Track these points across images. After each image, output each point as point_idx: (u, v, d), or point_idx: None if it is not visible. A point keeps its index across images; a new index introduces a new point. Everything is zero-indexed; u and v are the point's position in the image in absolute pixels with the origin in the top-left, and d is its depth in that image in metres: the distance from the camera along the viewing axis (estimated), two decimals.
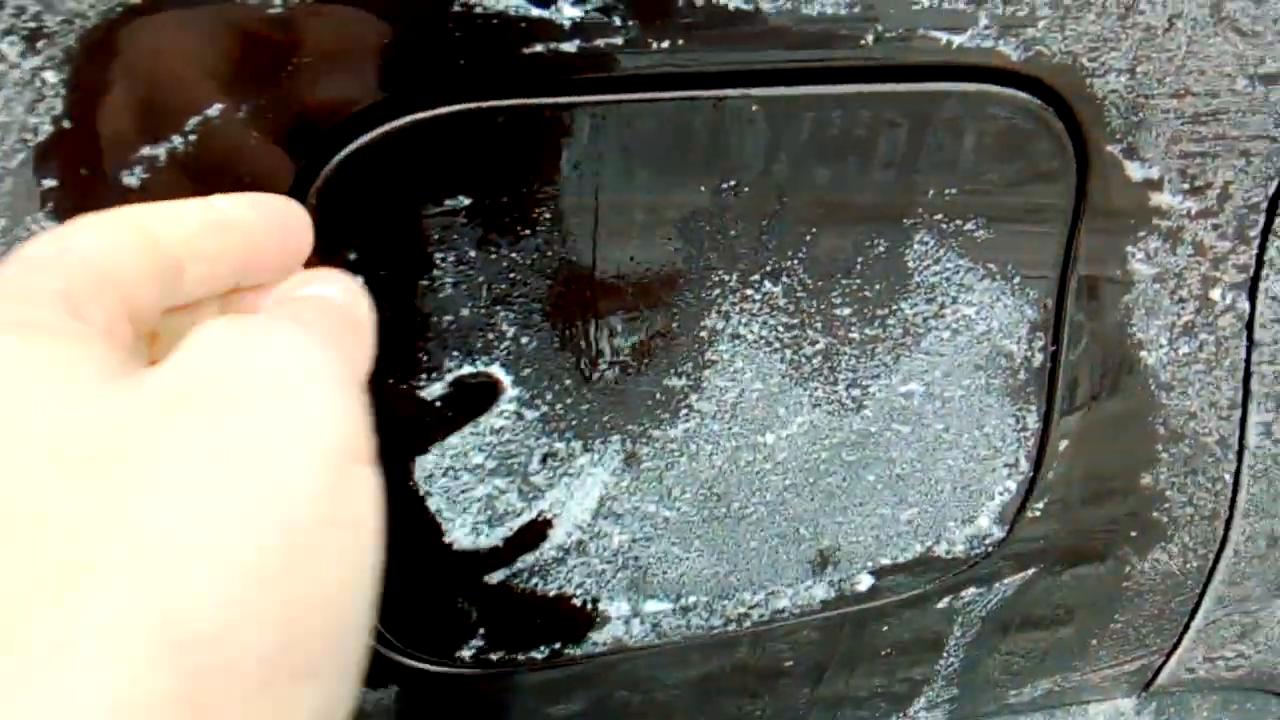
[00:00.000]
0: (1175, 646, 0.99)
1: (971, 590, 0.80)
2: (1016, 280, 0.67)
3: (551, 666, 0.72)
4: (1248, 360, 0.76)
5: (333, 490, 0.31)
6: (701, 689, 0.80)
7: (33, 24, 0.47)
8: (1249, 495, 0.84)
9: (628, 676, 0.77)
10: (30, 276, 0.35)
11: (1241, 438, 0.80)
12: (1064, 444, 0.75)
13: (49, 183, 0.50)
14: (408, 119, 0.52)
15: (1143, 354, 0.74)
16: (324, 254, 0.55)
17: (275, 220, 0.46)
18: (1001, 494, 0.75)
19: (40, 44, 0.47)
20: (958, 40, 0.56)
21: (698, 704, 0.81)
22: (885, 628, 0.80)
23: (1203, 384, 0.77)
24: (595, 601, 0.69)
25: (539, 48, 0.52)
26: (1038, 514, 0.77)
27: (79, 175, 0.50)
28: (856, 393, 0.68)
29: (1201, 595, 0.94)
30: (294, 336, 0.35)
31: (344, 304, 0.44)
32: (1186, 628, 0.97)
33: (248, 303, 0.46)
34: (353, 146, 0.52)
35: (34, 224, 0.51)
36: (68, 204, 0.51)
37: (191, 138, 0.50)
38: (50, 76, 0.48)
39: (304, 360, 0.34)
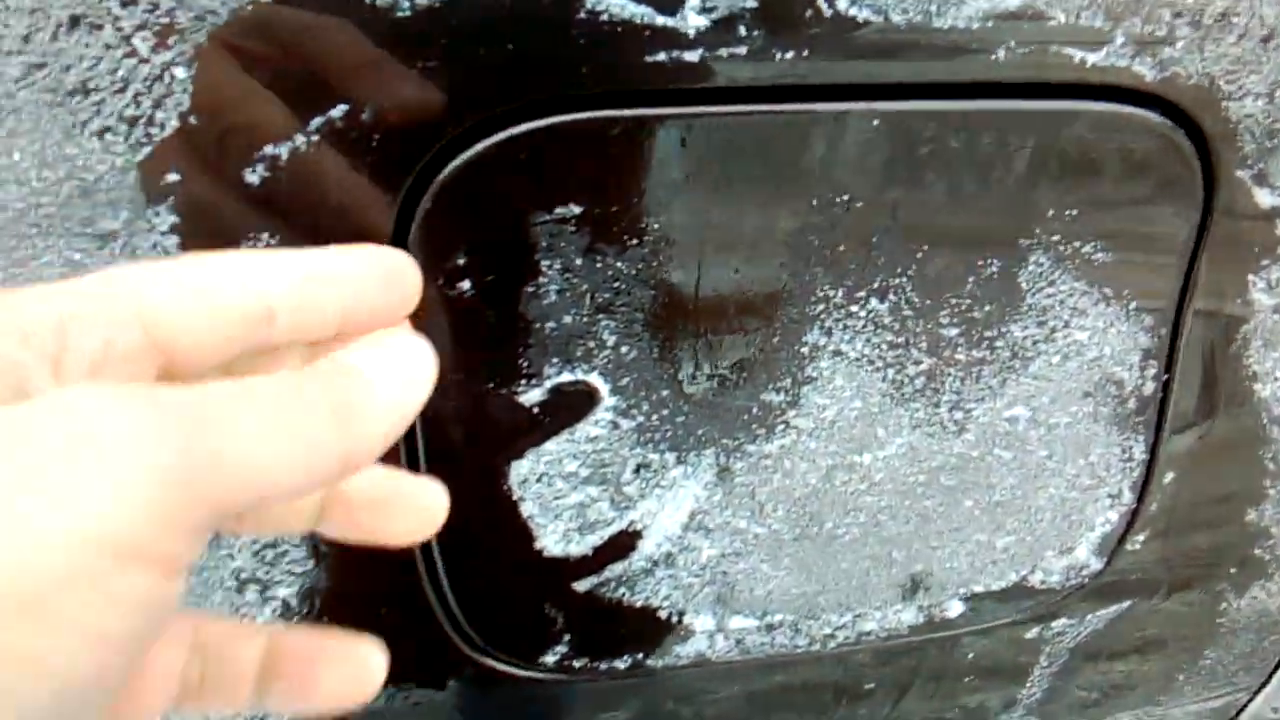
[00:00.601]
0: (1263, 686, 0.96)
1: (1063, 620, 0.78)
2: (1132, 306, 0.65)
3: (630, 677, 0.72)
4: None
5: (71, 578, 0.27)
6: (775, 703, 0.79)
7: (165, 19, 0.47)
8: None
9: (698, 686, 0.76)
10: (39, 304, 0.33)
11: None
12: (1169, 475, 0.73)
13: (172, 177, 0.50)
14: (527, 126, 0.52)
15: (1257, 386, 0.71)
16: (437, 256, 0.55)
17: (381, 274, 0.41)
18: (1102, 524, 0.73)
19: (172, 39, 0.47)
20: (1092, 59, 0.54)
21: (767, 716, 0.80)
22: (971, 654, 0.78)
23: None
24: (681, 614, 0.69)
25: (661, 56, 0.51)
26: (1138, 546, 0.75)
27: (202, 170, 0.51)
28: (959, 415, 0.66)
29: None
30: (122, 412, 0.30)
31: (340, 385, 0.37)
32: (1277, 667, 0.94)
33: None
34: (472, 151, 0.52)
35: (155, 216, 0.51)
36: (189, 198, 0.51)
37: (314, 138, 0.50)
38: (180, 72, 0.48)
39: (113, 439, 0.29)
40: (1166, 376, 0.69)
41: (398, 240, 0.54)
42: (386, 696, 0.69)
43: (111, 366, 0.33)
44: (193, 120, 0.49)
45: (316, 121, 0.49)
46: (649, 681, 0.74)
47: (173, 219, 0.51)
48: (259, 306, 0.36)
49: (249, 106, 0.49)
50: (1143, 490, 0.72)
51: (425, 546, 0.63)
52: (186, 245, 0.52)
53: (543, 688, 0.71)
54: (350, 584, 0.63)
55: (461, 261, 0.55)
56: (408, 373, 0.39)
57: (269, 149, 0.50)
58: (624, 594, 0.67)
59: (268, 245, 0.52)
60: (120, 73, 0.48)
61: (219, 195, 0.51)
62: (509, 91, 0.51)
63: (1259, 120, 0.59)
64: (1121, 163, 0.59)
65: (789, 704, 0.79)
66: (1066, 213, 0.60)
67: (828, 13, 0.51)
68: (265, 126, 0.49)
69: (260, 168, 0.50)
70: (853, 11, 0.51)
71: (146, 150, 0.49)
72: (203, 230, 0.52)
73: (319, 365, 0.37)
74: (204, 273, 0.36)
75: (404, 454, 0.60)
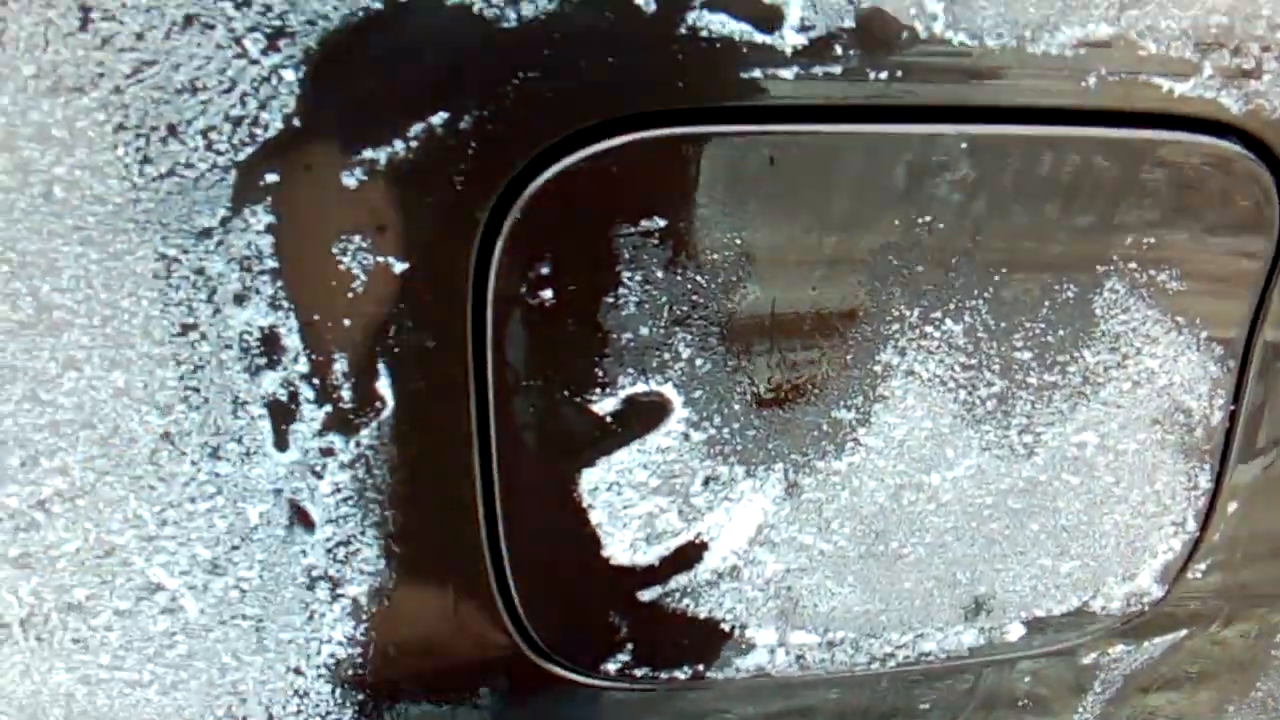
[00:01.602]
0: None
1: (1120, 647, 0.78)
2: (1203, 335, 0.65)
3: (690, 688, 0.72)
4: None
5: None
6: None
7: (277, 22, 0.48)
8: None
9: (758, 700, 0.76)
10: None
11: None
12: (1233, 505, 0.72)
13: (272, 177, 0.51)
14: (620, 139, 0.53)
15: None
16: (522, 265, 0.55)
17: None
18: (1165, 552, 0.72)
19: (282, 42, 0.48)
20: (1180, 89, 0.55)
21: None
22: (1028, 677, 0.77)
23: None
24: (743, 627, 0.69)
25: (756, 73, 0.52)
26: (1199, 575, 0.75)
27: (301, 172, 0.51)
28: (1029, 439, 0.66)
29: None
30: None
31: None
32: None
33: None
34: (564, 163, 0.53)
35: (252, 215, 0.52)
36: (287, 198, 0.52)
37: (413, 144, 0.51)
38: (288, 75, 0.49)
39: None
40: (1234, 407, 0.68)
41: (485, 249, 0.55)
42: (449, 700, 0.69)
43: None
44: (296, 123, 0.50)
45: (417, 128, 0.50)
46: (699, 696, 0.74)
47: (269, 219, 0.52)
48: None
49: (352, 111, 0.50)
50: (1206, 519, 0.72)
51: (495, 551, 0.63)
52: (280, 245, 0.53)
53: (569, 700, 0.71)
54: (420, 587, 0.63)
55: (545, 271, 0.56)
56: None
57: (368, 154, 0.51)
58: (688, 605, 0.67)
59: (358, 249, 0.53)
60: (229, 73, 0.49)
61: (317, 198, 0.52)
62: (607, 104, 0.51)
63: None
64: (1201, 193, 0.59)
65: None
66: (1144, 240, 0.60)
67: (924, 35, 0.51)
68: (366, 131, 0.50)
69: (358, 171, 0.51)
70: (949, 35, 0.51)
71: (249, 150, 0.50)
72: (298, 231, 0.53)
73: None
74: None
75: (478, 459, 0.61)
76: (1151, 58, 0.54)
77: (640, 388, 0.61)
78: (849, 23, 0.51)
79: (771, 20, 0.50)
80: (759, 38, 0.50)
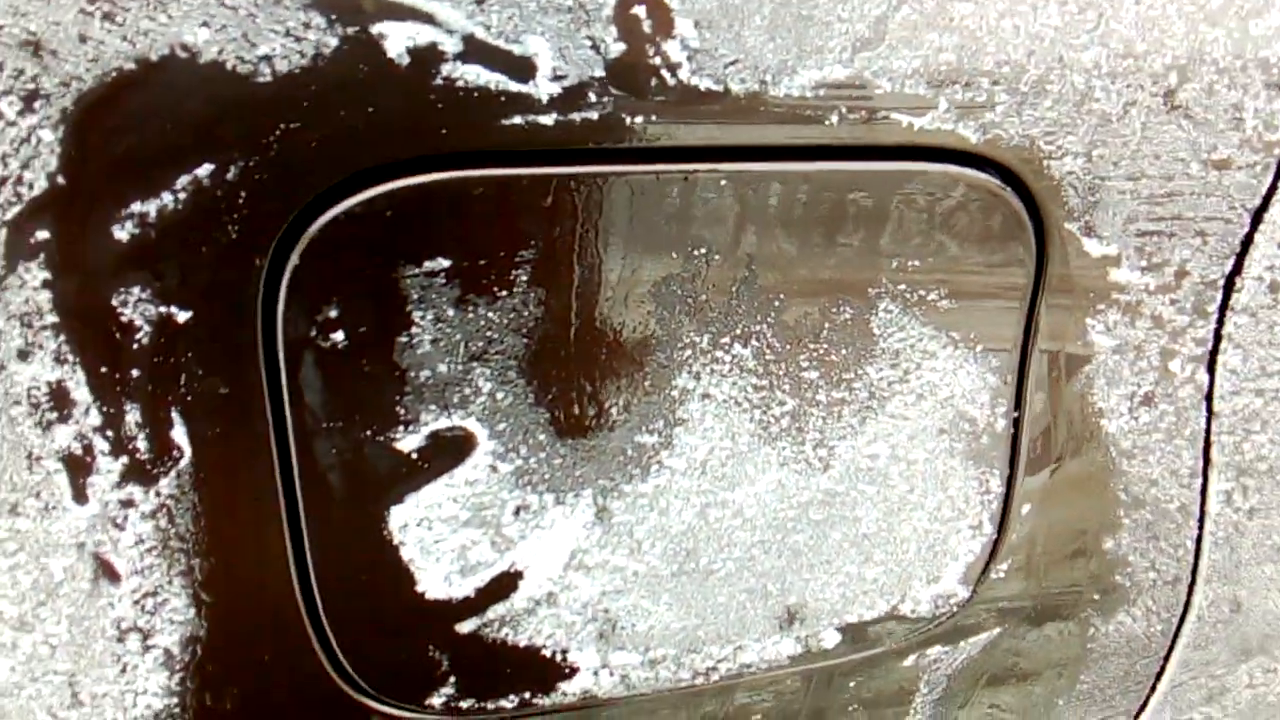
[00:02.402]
0: (1142, 708, 1.00)
1: (937, 648, 0.81)
2: (979, 348, 0.69)
3: (518, 717, 0.73)
4: (1208, 430, 0.78)
5: None
6: None
7: (30, 85, 0.49)
8: (1211, 562, 0.86)
9: None
10: None
11: (1203, 505, 0.82)
12: (1026, 507, 0.77)
13: (42, 234, 0.52)
14: (391, 185, 0.55)
15: (1103, 422, 0.76)
16: (308, 309, 0.57)
17: None
18: (966, 555, 0.76)
19: (38, 104, 0.49)
20: (919, 123, 0.59)
21: None
22: (853, 683, 0.81)
23: (1163, 452, 0.78)
24: (565, 652, 0.71)
25: (517, 120, 0.54)
26: (1002, 575, 0.79)
27: (71, 228, 0.52)
28: (823, 453, 0.69)
29: (1166, 659, 0.95)
30: None
31: None
32: (1153, 690, 0.98)
33: None
34: (337, 209, 0.54)
35: (26, 273, 0.53)
36: (59, 255, 0.53)
37: (181, 195, 0.52)
38: (46, 135, 0.50)
39: None
40: (1017, 414, 0.73)
41: (269, 294, 0.56)
42: None
43: None
44: (60, 181, 0.51)
45: (182, 180, 0.51)
46: None
47: (45, 275, 0.53)
48: None
49: (116, 166, 0.51)
50: (1002, 521, 0.76)
51: (307, 592, 0.64)
52: (58, 300, 0.54)
53: None
54: (232, 632, 0.64)
55: (334, 314, 0.58)
56: None
57: (137, 207, 0.52)
58: (507, 634, 0.69)
59: (139, 300, 0.54)
60: None
61: (90, 251, 0.53)
62: (371, 152, 0.53)
63: (1080, 177, 0.64)
64: (958, 217, 0.64)
65: None
66: (910, 263, 0.64)
67: (671, 82, 0.55)
68: (132, 185, 0.51)
69: (129, 225, 0.52)
70: (694, 81, 0.55)
71: (16, 209, 0.51)
72: (75, 285, 0.54)
73: None
74: None
75: (284, 502, 0.62)
76: (887, 95, 0.58)
77: (443, 423, 0.63)
78: (599, 71, 0.54)
79: (525, 70, 0.53)
80: (515, 87, 0.53)
